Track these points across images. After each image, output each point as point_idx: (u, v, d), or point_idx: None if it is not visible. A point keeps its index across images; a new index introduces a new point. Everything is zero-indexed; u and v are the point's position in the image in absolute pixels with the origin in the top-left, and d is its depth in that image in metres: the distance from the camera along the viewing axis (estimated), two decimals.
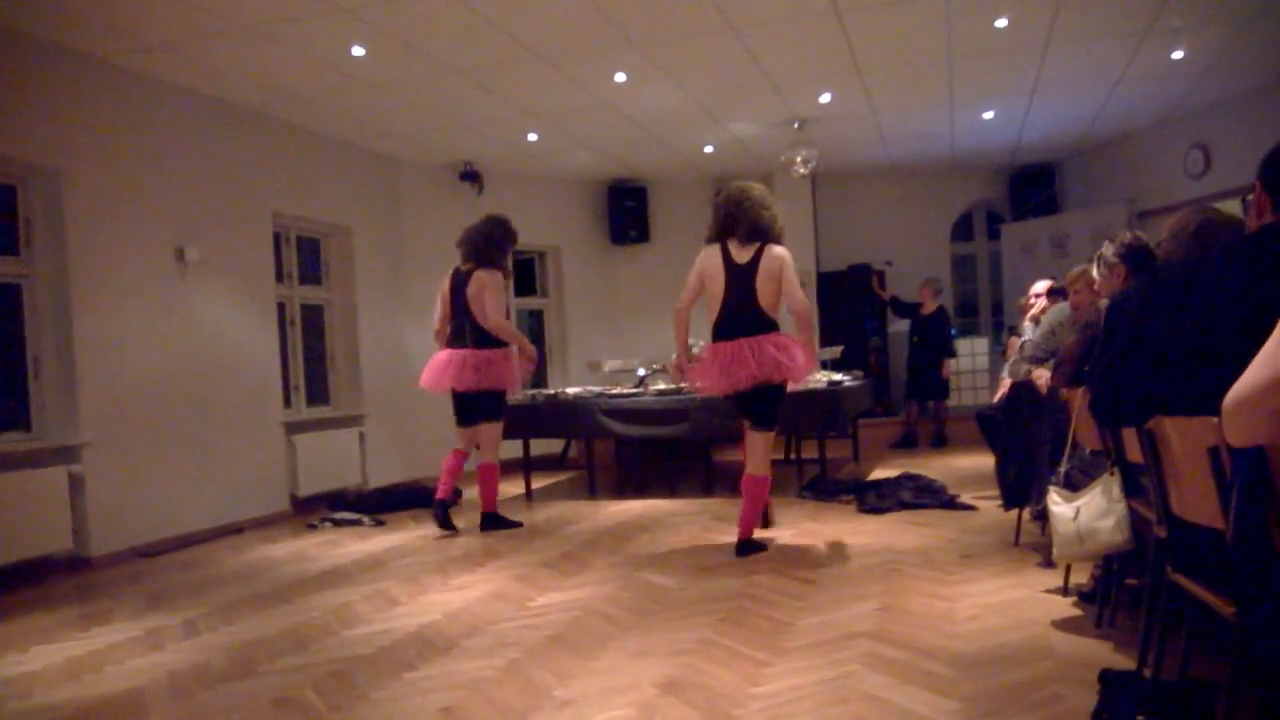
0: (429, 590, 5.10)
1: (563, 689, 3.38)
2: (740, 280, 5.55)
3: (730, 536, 5.98)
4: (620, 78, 7.79)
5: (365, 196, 9.55)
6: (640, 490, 8.58)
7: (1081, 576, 4.25)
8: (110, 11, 5.90)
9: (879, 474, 8.29)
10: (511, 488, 7.16)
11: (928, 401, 10.98)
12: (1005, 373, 6.62)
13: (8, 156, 6.10)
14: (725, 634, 3.95)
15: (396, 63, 7.14)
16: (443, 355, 6.69)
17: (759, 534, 5.84)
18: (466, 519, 7.03)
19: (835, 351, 9.89)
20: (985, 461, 7.28)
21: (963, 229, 12.86)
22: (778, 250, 5.58)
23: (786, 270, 5.54)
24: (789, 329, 5.67)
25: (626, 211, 11.88)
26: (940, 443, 10.78)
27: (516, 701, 3.28)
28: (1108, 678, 2.85)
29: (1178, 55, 7.93)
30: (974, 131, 10.31)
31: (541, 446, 9.58)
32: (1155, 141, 10.45)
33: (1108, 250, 4.07)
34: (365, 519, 7.50)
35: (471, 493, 7.46)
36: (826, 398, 7.70)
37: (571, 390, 8.83)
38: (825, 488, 7.53)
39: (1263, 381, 1.46)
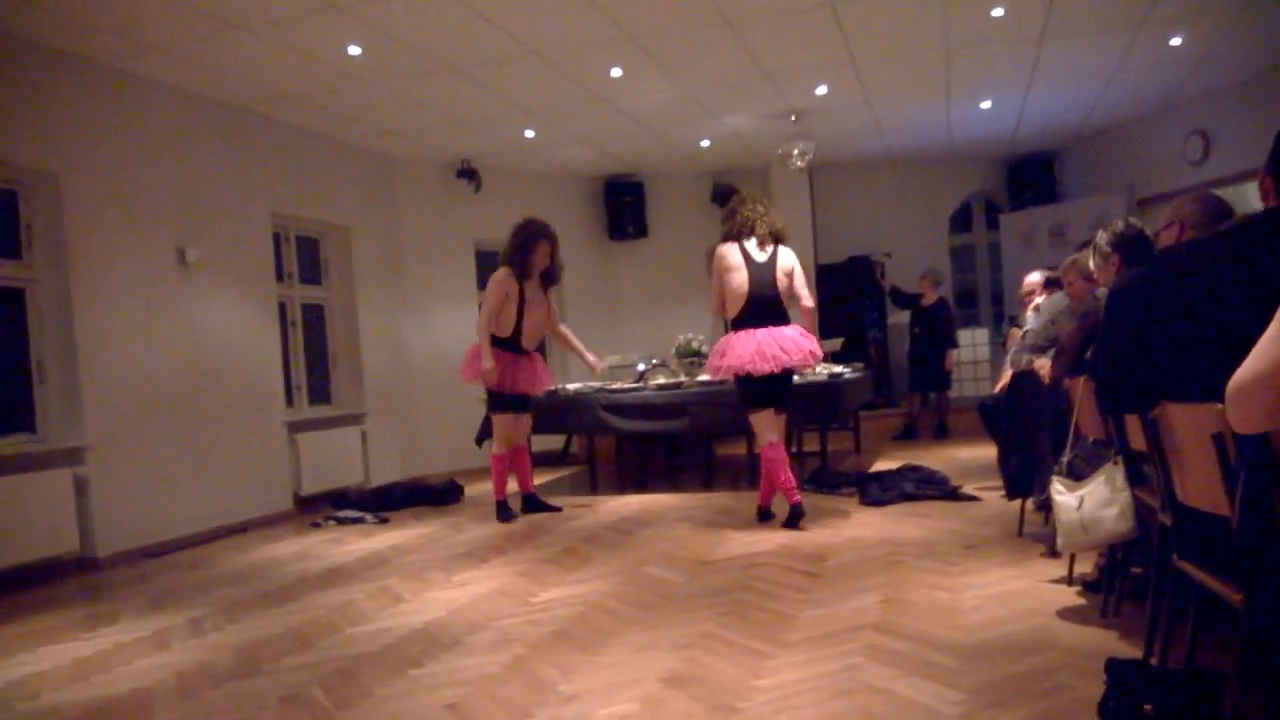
0: (433, 587, 5.10)
1: (567, 684, 3.38)
2: (761, 275, 6.00)
3: (733, 530, 5.99)
4: (616, 73, 7.78)
5: (363, 195, 9.55)
6: (641, 485, 8.57)
7: (1086, 566, 4.25)
8: (107, 13, 5.89)
9: (881, 466, 8.29)
10: (513, 483, 7.18)
11: (929, 393, 10.98)
12: (1007, 363, 6.62)
13: (6, 161, 6.09)
14: (728, 627, 3.95)
15: (392, 61, 7.13)
16: None
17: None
18: (467, 515, 7.03)
19: (835, 343, 9.89)
20: (987, 452, 7.28)
21: (961, 219, 12.84)
22: (788, 249, 6.14)
23: (798, 267, 6.15)
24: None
25: (624, 207, 11.86)
26: (942, 434, 10.78)
27: (521, 697, 3.27)
28: (1114, 666, 2.84)
29: (1176, 42, 7.91)
30: (972, 121, 10.29)
31: (543, 442, 9.58)
32: (1154, 129, 10.43)
33: (1101, 239, 4.04)
34: (368, 517, 7.51)
35: (485, 487, 7.47)
36: (827, 390, 7.70)
37: (572, 386, 8.82)
38: (827, 480, 7.53)
39: (1266, 367, 1.46)
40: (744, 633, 3.85)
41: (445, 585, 5.13)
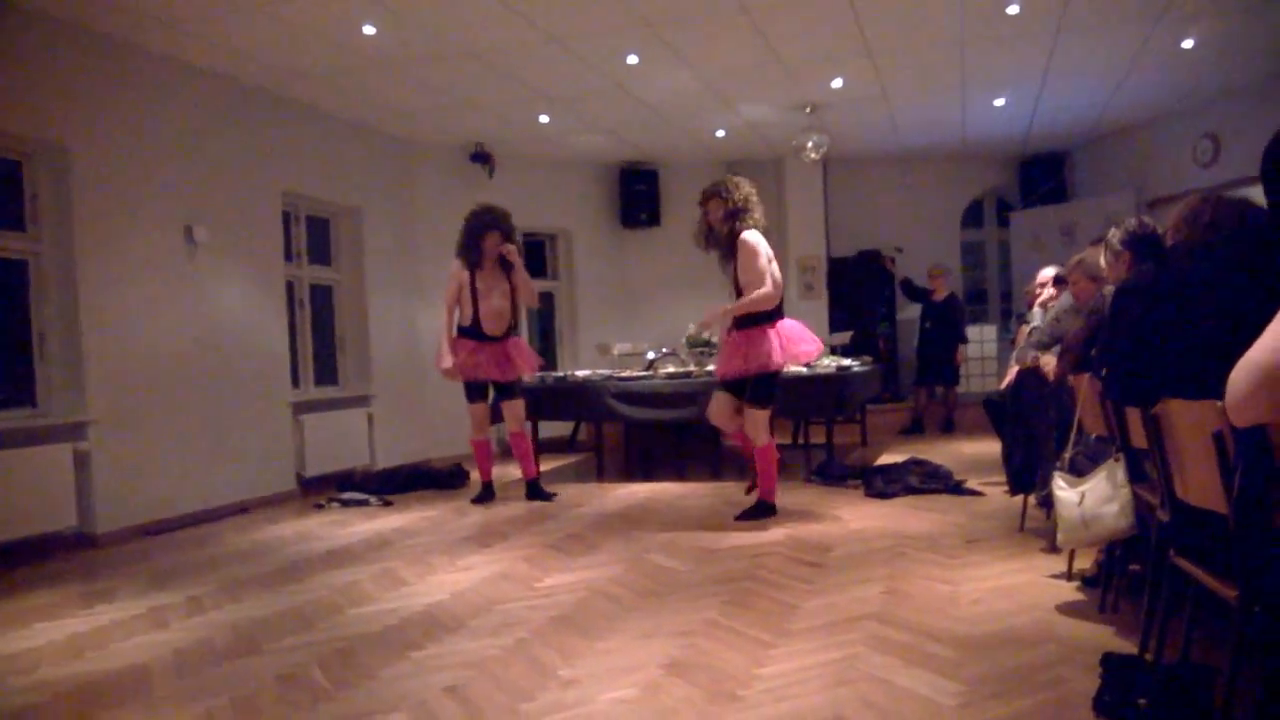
0: (436, 570, 5.12)
1: (568, 669, 3.40)
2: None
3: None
4: (633, 60, 7.78)
5: (376, 177, 9.56)
6: (648, 473, 8.59)
7: (1085, 562, 4.26)
8: None
9: (886, 459, 8.29)
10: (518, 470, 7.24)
11: (936, 387, 10.98)
12: (1013, 359, 6.63)
13: (13, 132, 6.09)
14: (731, 615, 3.96)
15: (408, 42, 7.13)
16: None
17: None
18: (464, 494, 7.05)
19: (844, 337, 9.89)
20: (992, 447, 7.28)
21: (973, 216, 12.83)
22: None
23: None
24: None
25: (637, 195, 11.86)
26: (948, 428, 10.79)
27: (523, 681, 3.30)
28: (1110, 661, 2.86)
29: (1188, 44, 7.88)
30: (985, 118, 10.27)
31: (551, 429, 9.61)
32: (1165, 130, 10.40)
33: (1113, 236, 4.03)
34: (372, 499, 7.54)
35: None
36: (834, 383, 7.70)
37: (580, 373, 8.84)
38: (832, 472, 7.53)
39: (1268, 361, 1.46)
40: (747, 621, 3.87)
41: (448, 569, 5.15)
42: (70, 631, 4.28)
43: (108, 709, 3.27)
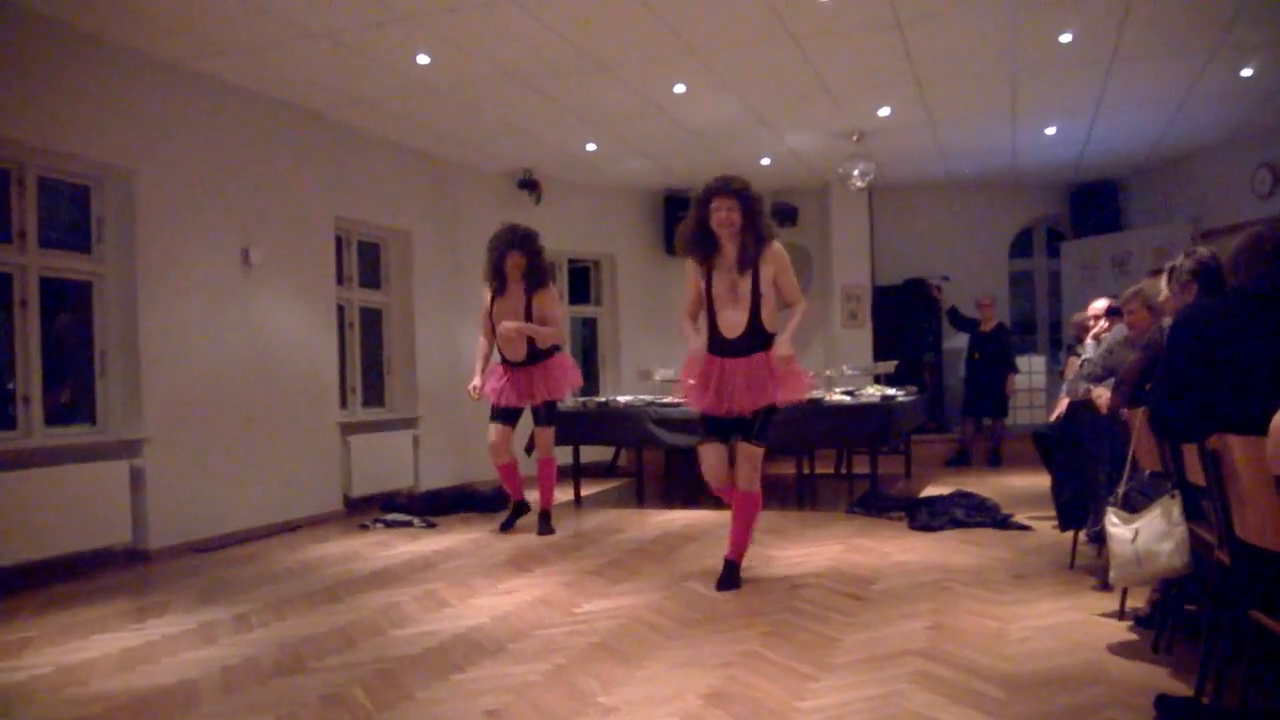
0: (478, 593, 5.13)
1: (607, 696, 3.38)
2: None
3: (779, 550, 5.96)
4: (680, 89, 7.81)
5: (425, 202, 9.65)
6: (688, 501, 8.55)
7: (1138, 601, 4.17)
8: (184, 17, 6.04)
9: (931, 491, 8.19)
10: (561, 494, 7.20)
11: (983, 419, 10.85)
12: (1063, 391, 6.53)
13: (84, 157, 6.26)
14: (771, 647, 3.92)
15: (461, 70, 7.22)
16: None
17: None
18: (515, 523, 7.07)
19: (889, 366, 9.81)
20: (1040, 481, 7.17)
21: (1022, 245, 12.69)
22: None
23: None
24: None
25: (681, 222, 11.83)
26: (995, 461, 10.64)
27: (561, 707, 3.28)
28: (1165, 703, 2.79)
29: (1247, 73, 7.76)
30: (1036, 147, 10.17)
31: (592, 454, 9.60)
32: (1221, 160, 10.23)
33: (1184, 265, 3.89)
34: (416, 521, 7.56)
35: (532, 496, 7.49)
36: (879, 412, 7.63)
37: (622, 399, 8.84)
38: (876, 504, 7.45)
39: None
40: (787, 653, 3.83)
41: (490, 592, 5.15)
42: (123, 645, 4.34)
43: None
